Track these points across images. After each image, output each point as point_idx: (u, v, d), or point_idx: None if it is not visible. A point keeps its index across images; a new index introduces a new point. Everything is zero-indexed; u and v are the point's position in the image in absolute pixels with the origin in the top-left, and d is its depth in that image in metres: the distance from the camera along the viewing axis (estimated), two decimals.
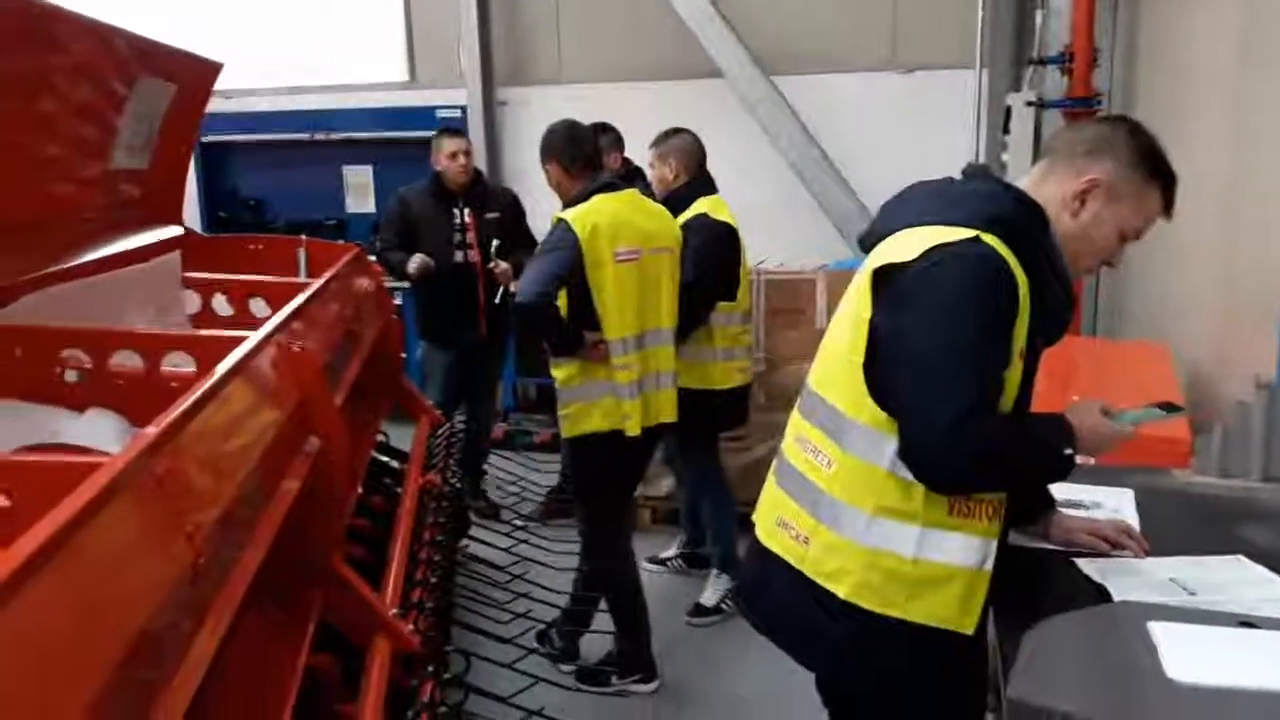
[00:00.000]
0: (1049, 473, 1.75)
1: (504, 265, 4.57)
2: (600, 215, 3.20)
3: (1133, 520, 2.03)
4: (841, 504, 1.71)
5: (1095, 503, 2.11)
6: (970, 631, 1.69)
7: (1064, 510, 2.00)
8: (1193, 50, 4.23)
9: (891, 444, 1.64)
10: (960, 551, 1.67)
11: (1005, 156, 5.27)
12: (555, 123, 3.47)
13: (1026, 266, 1.62)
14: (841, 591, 1.69)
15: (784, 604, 1.82)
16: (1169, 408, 1.80)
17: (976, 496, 1.67)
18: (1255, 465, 2.39)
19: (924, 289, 1.60)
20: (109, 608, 1.06)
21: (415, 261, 4.58)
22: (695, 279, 3.62)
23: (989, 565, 1.70)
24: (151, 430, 1.31)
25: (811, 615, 1.74)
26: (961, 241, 1.61)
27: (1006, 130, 5.24)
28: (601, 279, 3.20)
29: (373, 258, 4.52)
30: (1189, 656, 1.38)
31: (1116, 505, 2.11)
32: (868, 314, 1.68)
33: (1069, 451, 1.64)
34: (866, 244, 1.82)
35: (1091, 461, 1.99)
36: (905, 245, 1.66)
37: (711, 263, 3.74)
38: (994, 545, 1.71)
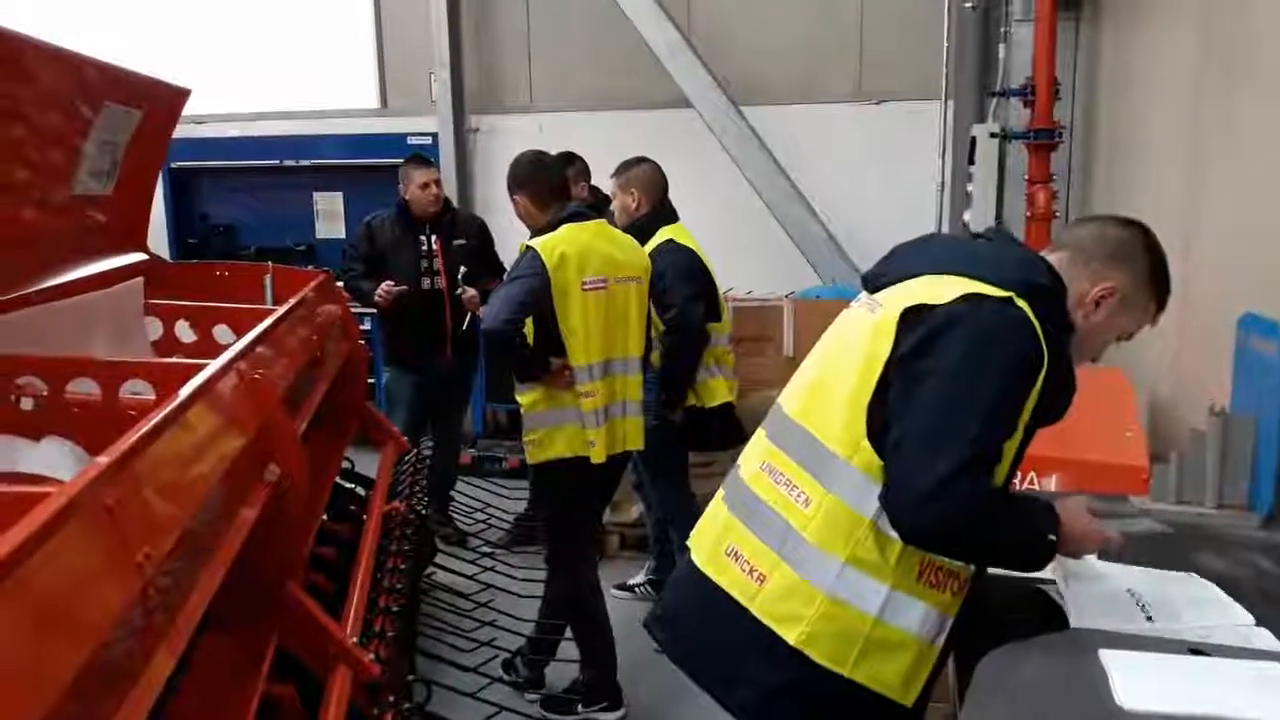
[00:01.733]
0: (1027, 554, 1.66)
1: (471, 292, 4.57)
2: (568, 244, 3.22)
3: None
4: (812, 546, 1.64)
5: None
6: (910, 704, 1.66)
7: None
8: (1150, 83, 4.31)
9: (879, 492, 1.59)
10: (920, 621, 1.63)
11: (970, 187, 5.35)
12: (521, 154, 3.49)
13: (1048, 339, 1.60)
14: (791, 637, 1.63)
15: (718, 642, 1.74)
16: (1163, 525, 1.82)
17: (948, 567, 1.64)
18: (1210, 493, 2.42)
19: (952, 334, 1.56)
20: (56, 636, 1.04)
21: (381, 289, 4.57)
22: (680, 311, 3.68)
23: (941, 640, 1.67)
24: (103, 459, 1.30)
25: (750, 658, 1.67)
26: (998, 299, 1.59)
27: (971, 160, 5.32)
28: (568, 307, 3.21)
29: (340, 283, 4.52)
30: (1140, 684, 1.40)
31: None
32: (886, 353, 1.62)
33: (1052, 538, 1.60)
34: (876, 284, 1.77)
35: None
36: (938, 289, 1.63)
37: (689, 288, 3.77)
38: (950, 622, 1.67)
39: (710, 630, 1.76)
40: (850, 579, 1.61)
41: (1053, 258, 1.75)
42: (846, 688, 1.62)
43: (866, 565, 1.61)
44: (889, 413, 1.60)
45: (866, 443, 1.61)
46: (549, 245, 3.20)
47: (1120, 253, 1.71)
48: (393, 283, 4.58)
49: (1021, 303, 1.58)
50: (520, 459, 5.58)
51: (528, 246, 3.26)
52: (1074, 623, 1.69)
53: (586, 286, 3.23)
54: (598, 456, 3.28)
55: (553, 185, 3.41)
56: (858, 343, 1.69)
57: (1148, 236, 1.75)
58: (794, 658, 1.63)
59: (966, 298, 1.59)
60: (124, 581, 1.22)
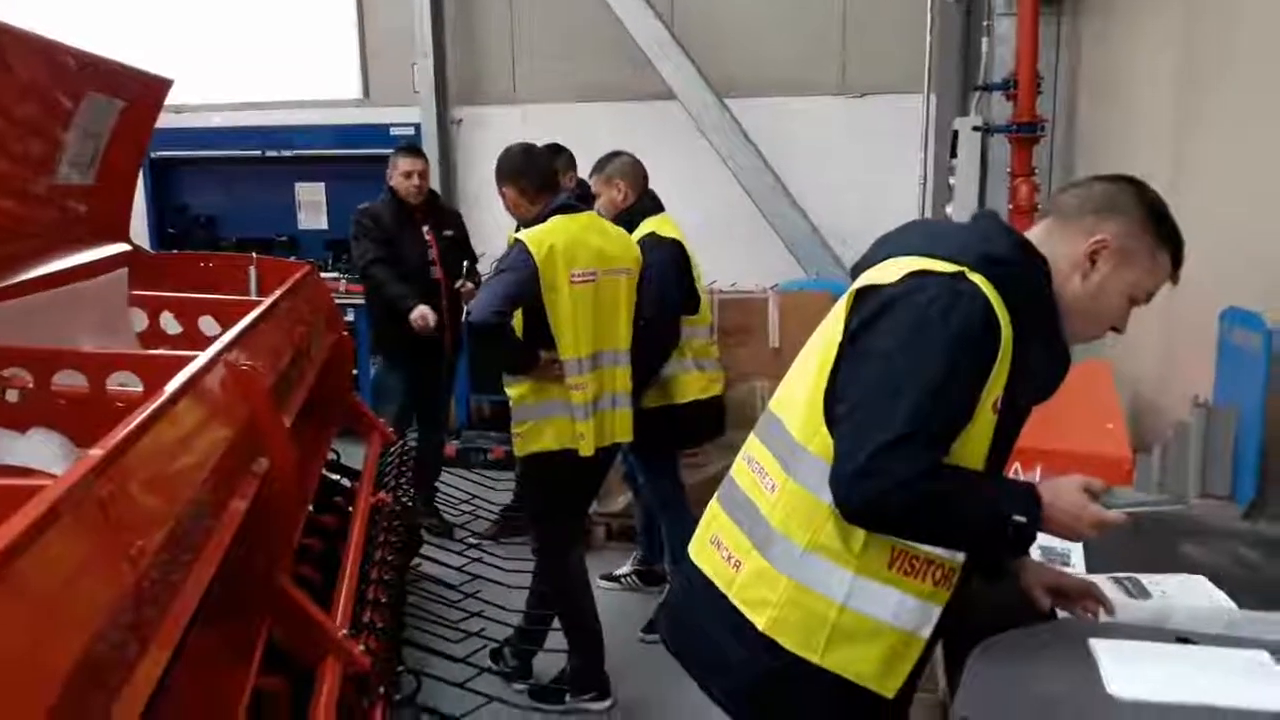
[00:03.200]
0: (991, 539, 1.58)
1: (470, 285, 4.57)
2: (557, 236, 3.21)
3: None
4: (777, 532, 1.64)
5: None
6: (890, 695, 1.62)
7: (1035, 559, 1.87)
8: (1132, 77, 4.34)
9: None
10: (894, 610, 1.59)
11: (952, 180, 5.37)
12: (510, 146, 3.48)
13: (1015, 314, 1.53)
14: (760, 623, 1.63)
15: (703, 629, 1.74)
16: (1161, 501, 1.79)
17: (923, 555, 1.59)
18: (1193, 483, 2.45)
19: (895, 313, 1.54)
20: (51, 631, 1.04)
21: (420, 313, 4.53)
22: (658, 304, 3.66)
23: (925, 632, 1.62)
24: (95, 452, 1.29)
25: (727, 644, 1.67)
26: (946, 274, 1.54)
27: (954, 154, 5.34)
28: (557, 300, 3.21)
29: (328, 275, 4.50)
30: (1129, 673, 1.42)
31: None
32: (839, 337, 1.62)
33: (1020, 519, 1.51)
34: (857, 273, 1.75)
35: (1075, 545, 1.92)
36: (888, 270, 1.61)
37: (669, 283, 3.77)
38: (936, 613, 1.62)
39: (696, 618, 1.77)
40: (811, 564, 1.60)
41: (1036, 228, 1.71)
42: (821, 676, 1.60)
43: (828, 551, 1.59)
44: (837, 393, 1.59)
45: (824, 429, 1.60)
46: (537, 237, 3.20)
47: (1108, 203, 1.64)
48: (428, 309, 4.54)
49: (975, 276, 1.52)
50: (506, 450, 5.59)
51: (516, 239, 3.25)
52: (1062, 612, 1.71)
53: (575, 279, 3.23)
54: (586, 450, 3.28)
55: (541, 177, 3.40)
56: (823, 331, 1.71)
57: (1139, 185, 1.67)
58: (766, 643, 1.62)
59: (911, 275, 1.56)
60: (117, 575, 1.21)
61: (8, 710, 0.93)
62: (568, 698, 3.48)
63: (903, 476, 1.46)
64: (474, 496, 4.77)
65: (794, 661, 1.60)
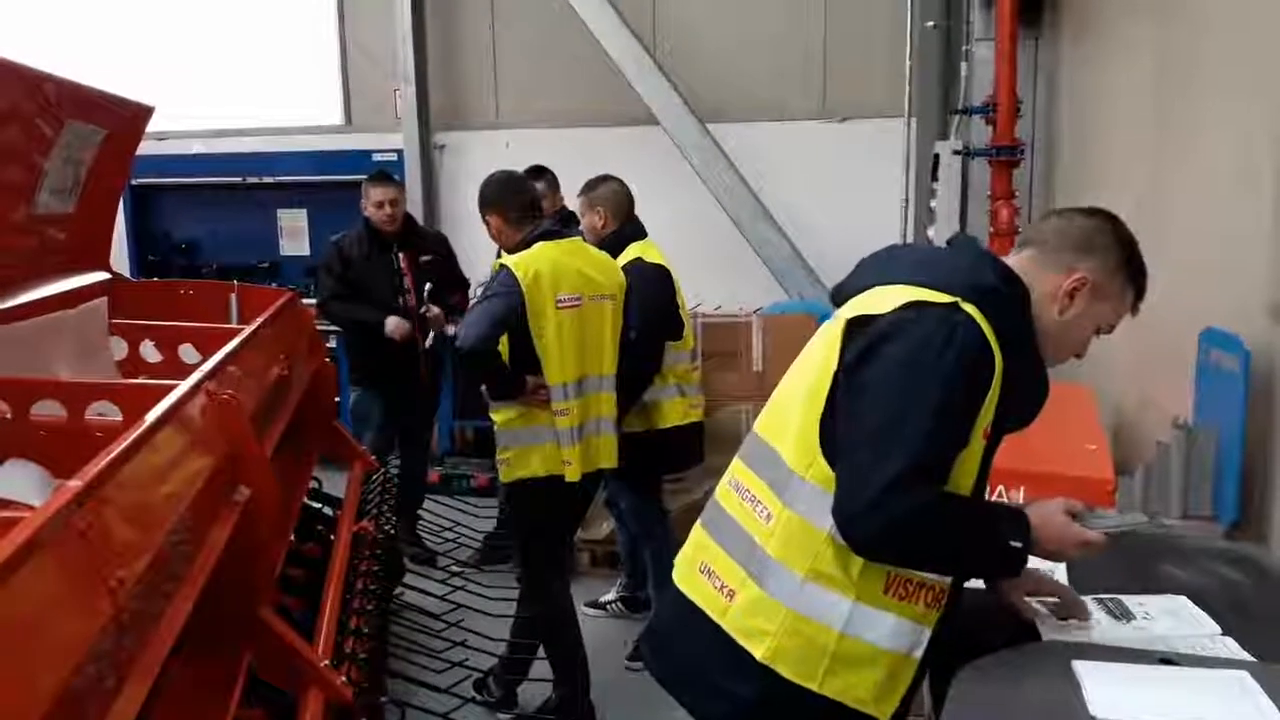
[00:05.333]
0: (990, 562, 1.64)
1: (435, 310, 4.56)
2: (542, 262, 3.22)
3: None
4: (774, 562, 1.63)
5: None
6: (885, 719, 1.64)
7: None
8: (1109, 100, 4.40)
9: None
10: (891, 635, 1.61)
11: (933, 203, 5.41)
12: (492, 174, 3.47)
13: (1004, 343, 1.56)
14: (758, 652, 1.62)
15: (694, 657, 1.74)
16: (1139, 517, 1.81)
17: (916, 579, 1.61)
18: (1175, 504, 2.46)
19: (891, 343, 1.55)
20: (30, 662, 1.03)
21: (394, 323, 4.55)
22: (640, 329, 3.67)
23: (918, 653, 1.64)
24: (74, 483, 1.29)
25: (723, 673, 1.67)
26: (940, 305, 1.56)
27: (935, 177, 5.38)
28: (542, 325, 3.21)
29: (309, 301, 4.49)
30: (1112, 695, 1.41)
31: None
32: (832, 367, 1.62)
33: (1017, 545, 1.55)
34: (839, 298, 1.77)
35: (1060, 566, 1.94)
36: (881, 299, 1.62)
37: (653, 308, 3.78)
38: (927, 634, 1.64)
39: (686, 646, 1.76)
40: (811, 593, 1.61)
41: (1017, 256, 1.74)
42: (818, 702, 1.60)
43: (827, 579, 1.60)
44: (837, 426, 1.59)
45: (820, 458, 1.60)
46: (523, 263, 3.20)
47: (1088, 242, 1.68)
48: (400, 320, 4.56)
49: (968, 307, 1.55)
50: (489, 477, 5.57)
51: (501, 265, 3.25)
52: (1045, 635, 1.71)
53: (561, 304, 3.23)
54: (573, 475, 3.27)
55: (523, 205, 3.39)
56: (813, 358, 1.70)
57: (1115, 223, 1.72)
58: (763, 673, 1.62)
59: (907, 305, 1.57)
60: (97, 607, 1.20)
61: None
62: None
63: (911, 509, 1.49)
64: (457, 524, 4.74)
65: (792, 690, 1.61)
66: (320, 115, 7.13)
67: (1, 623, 0.99)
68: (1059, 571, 2.06)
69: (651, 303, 3.78)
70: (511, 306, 3.16)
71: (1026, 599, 1.80)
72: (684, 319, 4.01)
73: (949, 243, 1.87)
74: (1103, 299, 1.68)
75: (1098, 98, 4.62)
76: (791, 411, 1.69)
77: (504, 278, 3.20)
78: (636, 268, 3.79)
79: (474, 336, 3.14)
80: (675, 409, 3.93)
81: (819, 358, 1.67)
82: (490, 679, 3.52)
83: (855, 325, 1.62)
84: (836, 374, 1.61)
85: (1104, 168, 4.38)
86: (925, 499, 1.50)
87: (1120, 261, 1.68)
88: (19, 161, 2.67)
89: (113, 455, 1.41)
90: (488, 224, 3.42)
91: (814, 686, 1.60)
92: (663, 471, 4.16)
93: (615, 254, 3.82)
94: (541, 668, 3.49)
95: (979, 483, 1.64)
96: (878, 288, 1.66)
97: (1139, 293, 1.72)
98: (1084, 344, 1.74)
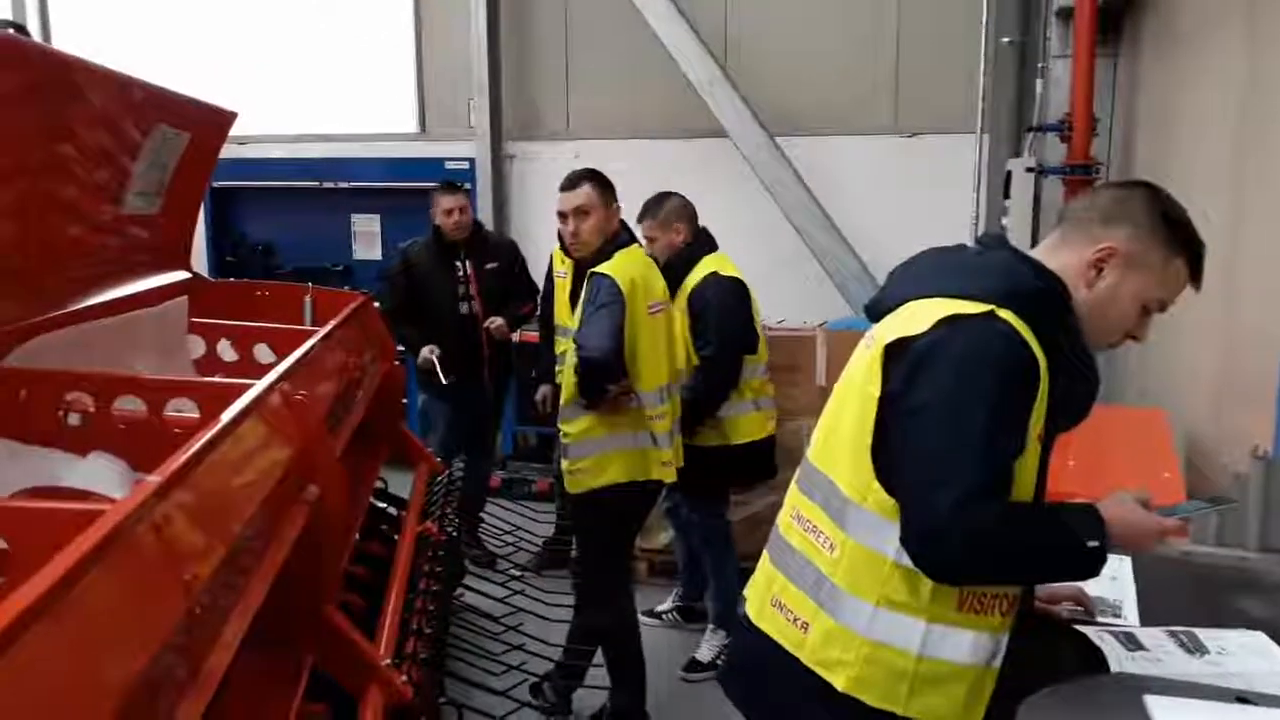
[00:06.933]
0: (1070, 566, 1.58)
1: (499, 321, 4.64)
2: (633, 270, 3.27)
3: (1129, 589, 2.03)
4: (844, 592, 1.62)
5: None
6: None
7: None
8: (1190, 118, 4.29)
9: (897, 532, 1.55)
10: (970, 650, 1.59)
11: (1005, 221, 5.33)
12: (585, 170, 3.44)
13: (1046, 345, 1.53)
14: (839, 683, 1.61)
15: (774, 690, 1.74)
16: (1218, 500, 1.75)
17: (990, 591, 1.59)
18: (1252, 536, 2.39)
19: (933, 364, 1.52)
20: (107, 655, 1.06)
21: (422, 359, 4.66)
22: (719, 346, 3.69)
23: (997, 662, 1.62)
24: (153, 479, 1.32)
25: (807, 706, 1.66)
26: (977, 315, 1.52)
27: (1007, 195, 5.30)
28: (638, 332, 3.24)
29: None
30: None
31: (1113, 574, 2.11)
32: (876, 391, 1.60)
33: (1094, 544, 1.50)
34: (874, 312, 1.74)
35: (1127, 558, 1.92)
36: (916, 317, 1.58)
37: (733, 325, 3.79)
38: (1004, 641, 1.63)
39: (767, 680, 1.76)
40: (885, 620, 1.59)
41: (1047, 242, 1.70)
42: None
43: (899, 605, 1.59)
44: (890, 454, 1.58)
45: (876, 484, 1.59)
46: (620, 271, 3.23)
47: (1117, 211, 1.62)
48: (431, 353, 4.64)
49: (1005, 313, 1.52)
50: (549, 482, 5.61)
51: (597, 273, 3.24)
52: (1114, 666, 1.67)
53: (651, 311, 3.29)
54: (670, 476, 3.35)
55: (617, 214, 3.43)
56: (856, 382, 1.67)
57: (1151, 189, 1.64)
58: (847, 702, 1.61)
59: (942, 322, 1.54)
60: (172, 600, 1.24)
61: None
62: None
63: (983, 525, 1.47)
64: (517, 528, 4.77)
65: (877, 715, 1.60)
66: (395, 122, 7.25)
67: (83, 612, 1.02)
68: (1127, 602, 2.02)
69: (731, 318, 3.79)
70: (622, 314, 3.18)
71: (1047, 606, 1.81)
72: (759, 332, 4.00)
73: (979, 241, 1.81)
74: (1139, 270, 1.60)
75: (1178, 119, 4.51)
76: (841, 439, 1.67)
77: (609, 287, 3.19)
78: (713, 282, 3.79)
79: (600, 346, 3.13)
80: (753, 423, 3.94)
81: (861, 384, 1.65)
82: (546, 684, 3.54)
83: (894, 348, 1.59)
84: (881, 400, 1.59)
85: (1181, 190, 4.26)
86: (995, 513, 1.48)
87: (1154, 228, 1.60)
88: (110, 163, 2.75)
89: (190, 452, 1.45)
90: (585, 214, 3.32)
91: (899, 710, 1.59)
92: (734, 486, 4.16)
93: (689, 268, 3.83)
94: (597, 675, 3.50)
95: (1039, 486, 1.62)
96: (911, 303, 1.63)
97: (1192, 263, 1.62)
98: (1131, 323, 1.64)
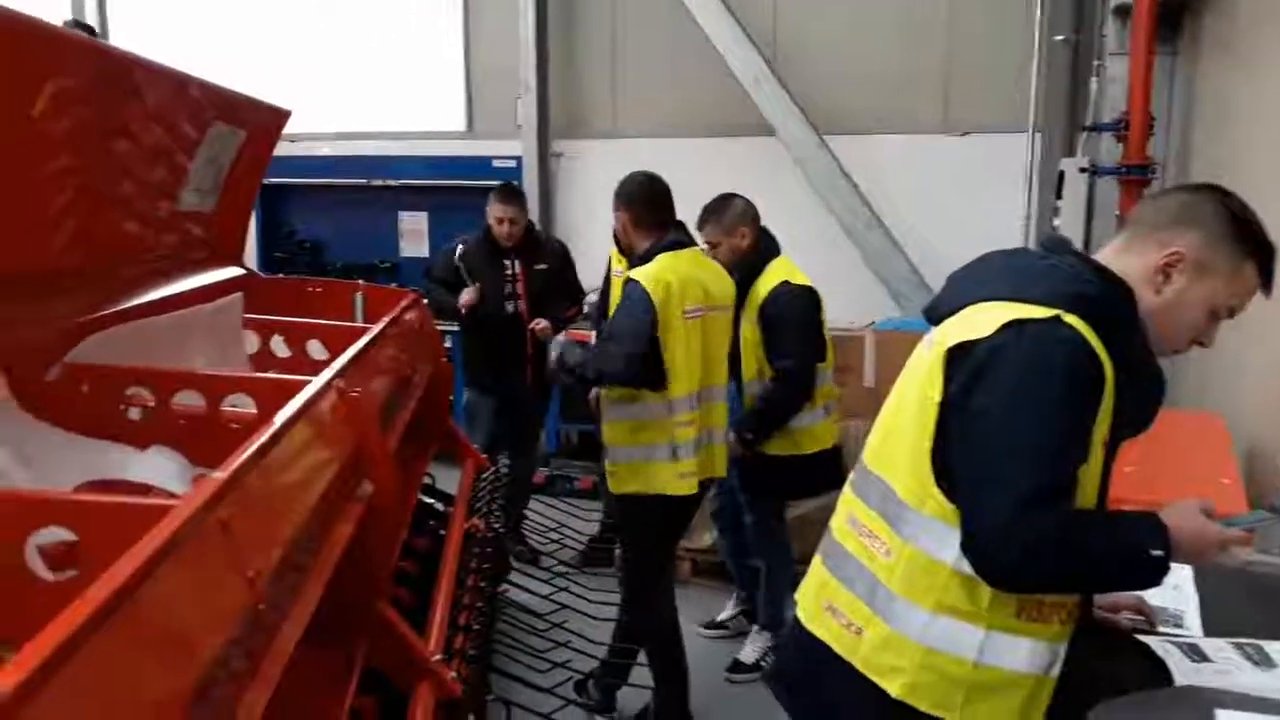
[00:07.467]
0: (1132, 575, 1.56)
1: (543, 323, 4.66)
2: (671, 274, 3.20)
3: (1191, 599, 1.99)
4: (899, 598, 1.61)
5: None
6: None
7: None
8: (1252, 116, 4.20)
9: (957, 537, 1.54)
10: (1027, 658, 1.57)
11: (1057, 222, 5.26)
12: (636, 173, 3.43)
13: (1112, 350, 1.51)
14: (893, 690, 1.60)
15: (827, 695, 1.74)
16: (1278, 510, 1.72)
17: (1049, 600, 1.57)
18: None
19: (998, 367, 1.50)
20: (178, 649, 1.07)
21: (466, 298, 4.70)
22: (799, 359, 3.67)
23: (1055, 671, 1.60)
24: (219, 475, 1.34)
25: (857, 710, 1.66)
26: (1042, 320, 1.50)
27: (1059, 195, 5.22)
28: (671, 338, 3.20)
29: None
30: None
31: (1175, 582, 2.07)
32: (937, 395, 1.58)
33: (1158, 553, 1.47)
34: (934, 316, 1.72)
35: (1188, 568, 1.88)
36: (980, 321, 1.56)
37: (810, 337, 3.74)
38: (1063, 650, 1.61)
39: (819, 685, 1.76)
40: (941, 627, 1.58)
41: (1112, 245, 1.67)
42: None
43: (956, 611, 1.57)
44: (951, 459, 1.56)
45: (936, 489, 1.58)
46: (653, 278, 3.18)
47: (1185, 215, 1.59)
48: (474, 290, 4.69)
49: (1070, 318, 1.50)
50: (593, 479, 5.62)
51: (631, 278, 3.23)
52: (1179, 679, 1.64)
53: (687, 315, 3.23)
54: (690, 488, 3.27)
55: (657, 211, 3.36)
56: (916, 385, 1.65)
57: (1220, 192, 1.61)
58: (900, 708, 1.60)
59: (1007, 326, 1.52)
60: (238, 596, 1.25)
61: None
62: None
63: (1045, 532, 1.45)
64: (561, 525, 4.78)
65: None
66: (443, 121, 7.30)
67: (156, 606, 1.04)
68: (1190, 612, 1.99)
69: (808, 330, 3.73)
70: (648, 326, 3.15)
71: (1108, 615, 1.80)
72: (826, 338, 3.94)
73: (1042, 245, 1.78)
74: (1208, 275, 1.57)
75: (1238, 118, 4.42)
76: (899, 444, 1.66)
77: (639, 296, 3.17)
78: (786, 291, 3.72)
79: (619, 370, 3.19)
80: (824, 431, 3.88)
81: (921, 387, 1.63)
82: (590, 682, 3.54)
83: (956, 352, 1.57)
84: (942, 404, 1.57)
85: (1244, 188, 4.19)
86: (1058, 520, 1.46)
87: (1224, 232, 1.57)
88: (167, 161, 2.79)
89: (254, 448, 1.46)
90: (616, 217, 3.40)
91: (953, 717, 1.57)
92: (803, 495, 4.11)
93: (757, 272, 3.76)
94: (642, 674, 3.50)
95: (1101, 494, 1.60)
96: (973, 306, 1.61)
97: (1263, 267, 1.59)
98: (1200, 329, 1.62)
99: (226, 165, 3.15)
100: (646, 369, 3.20)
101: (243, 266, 3.53)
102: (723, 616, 4.41)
